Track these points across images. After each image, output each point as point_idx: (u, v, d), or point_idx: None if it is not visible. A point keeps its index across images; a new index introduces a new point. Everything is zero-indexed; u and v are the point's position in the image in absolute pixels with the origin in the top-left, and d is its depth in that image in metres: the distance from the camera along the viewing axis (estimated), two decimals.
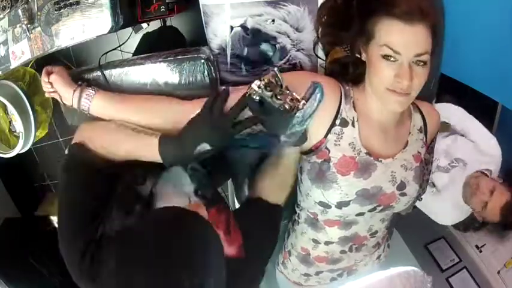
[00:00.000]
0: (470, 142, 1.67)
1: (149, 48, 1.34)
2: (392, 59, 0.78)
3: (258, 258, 0.90)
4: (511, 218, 1.47)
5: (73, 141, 0.83)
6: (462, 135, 1.72)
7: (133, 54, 1.38)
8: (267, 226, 0.96)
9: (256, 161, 1.00)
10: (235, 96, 0.81)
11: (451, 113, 1.71)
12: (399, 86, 0.79)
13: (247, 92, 0.77)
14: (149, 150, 0.80)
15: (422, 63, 0.77)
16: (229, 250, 0.77)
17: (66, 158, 0.82)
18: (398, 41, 0.76)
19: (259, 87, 0.75)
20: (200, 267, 0.61)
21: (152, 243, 0.61)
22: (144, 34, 1.57)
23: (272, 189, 0.99)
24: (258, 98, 0.76)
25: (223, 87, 0.97)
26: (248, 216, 0.91)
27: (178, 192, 0.82)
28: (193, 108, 0.86)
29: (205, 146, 0.78)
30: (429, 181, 1.60)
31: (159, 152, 0.79)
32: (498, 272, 1.97)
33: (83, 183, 0.79)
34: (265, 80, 0.75)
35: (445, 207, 1.60)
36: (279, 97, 0.76)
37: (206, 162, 0.87)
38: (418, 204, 1.57)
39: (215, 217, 0.79)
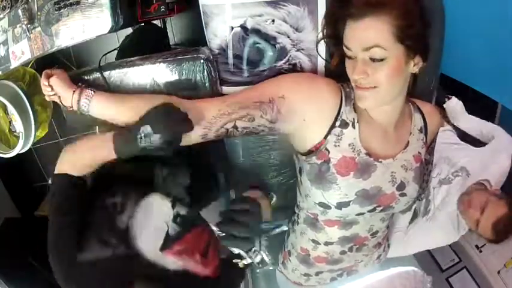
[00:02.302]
0: (482, 150, 1.62)
1: (131, 49, 1.35)
2: (351, 57, 0.81)
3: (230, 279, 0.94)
4: (502, 236, 1.41)
5: (56, 171, 0.88)
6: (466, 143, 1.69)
7: (117, 56, 1.38)
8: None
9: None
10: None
11: (478, 123, 1.70)
12: (357, 81, 0.81)
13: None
14: (109, 148, 0.83)
15: (377, 60, 0.77)
16: (204, 271, 0.81)
17: (52, 188, 0.87)
18: (348, 37, 0.79)
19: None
20: None
21: None
22: (126, 36, 1.56)
23: None
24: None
25: (223, 87, 0.98)
26: None
27: (158, 223, 0.84)
28: (193, 108, 0.86)
29: (146, 129, 0.78)
30: (427, 208, 1.58)
31: (113, 140, 0.82)
32: (498, 272, 1.97)
33: (66, 211, 0.84)
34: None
35: (445, 226, 1.56)
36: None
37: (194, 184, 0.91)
38: (415, 245, 1.55)
39: (195, 239, 0.83)
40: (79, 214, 0.84)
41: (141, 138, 0.79)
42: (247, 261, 0.84)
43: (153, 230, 0.83)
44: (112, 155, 0.83)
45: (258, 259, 0.84)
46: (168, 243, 0.82)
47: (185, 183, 0.93)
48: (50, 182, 0.89)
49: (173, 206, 0.87)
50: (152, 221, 0.85)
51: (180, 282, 0.80)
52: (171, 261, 0.81)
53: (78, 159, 0.88)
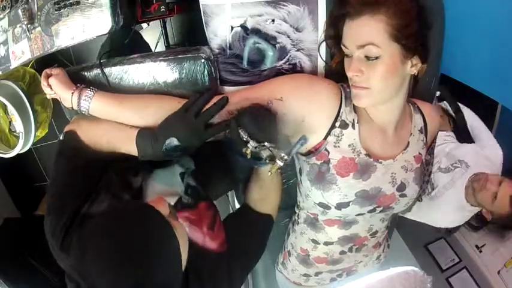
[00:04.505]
0: (476, 148, 1.66)
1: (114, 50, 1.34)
2: (348, 56, 0.82)
3: (239, 261, 0.90)
4: None
5: (66, 129, 0.88)
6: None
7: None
8: (252, 235, 0.97)
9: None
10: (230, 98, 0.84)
11: (466, 116, 1.72)
12: (351, 79, 0.83)
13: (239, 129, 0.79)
14: (128, 142, 0.83)
15: (372, 58, 0.78)
16: (211, 244, 0.81)
17: (60, 143, 0.87)
18: (345, 35, 0.81)
19: (255, 147, 0.79)
20: (147, 263, 0.61)
21: (109, 234, 0.63)
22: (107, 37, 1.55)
23: (258, 199, 1.01)
24: (247, 146, 0.79)
25: (223, 86, 0.98)
26: (235, 223, 0.94)
27: (167, 191, 0.84)
28: None
29: (173, 141, 0.80)
30: (430, 188, 1.61)
31: (136, 142, 0.82)
32: (498, 272, 1.98)
33: (74, 167, 0.83)
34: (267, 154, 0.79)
35: (445, 208, 1.59)
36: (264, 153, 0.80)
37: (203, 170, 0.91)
38: (414, 215, 1.57)
39: (203, 212, 0.83)
40: (85, 177, 0.82)
41: (165, 148, 0.81)
42: (252, 145, 0.80)
43: (165, 194, 0.83)
44: (134, 153, 0.84)
45: (265, 153, 0.80)
46: (178, 206, 0.82)
47: (191, 168, 0.93)
48: (60, 137, 0.88)
49: (182, 178, 0.88)
50: (164, 186, 0.86)
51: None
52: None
53: (95, 135, 0.86)
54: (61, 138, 0.87)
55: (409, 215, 1.58)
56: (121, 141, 0.85)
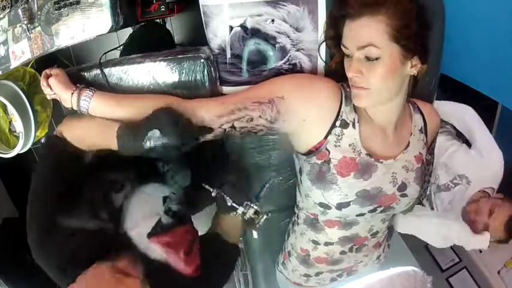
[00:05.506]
0: (473, 153, 1.60)
1: (137, 47, 1.36)
2: (349, 56, 0.82)
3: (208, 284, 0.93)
4: None
5: (54, 132, 0.89)
6: (463, 143, 1.67)
7: (121, 54, 1.38)
8: (222, 263, 0.98)
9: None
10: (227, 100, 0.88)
11: (464, 114, 1.61)
12: (351, 79, 0.83)
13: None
14: (109, 137, 0.82)
15: (373, 59, 0.78)
16: (186, 269, 0.82)
17: (43, 144, 0.90)
18: (346, 36, 0.81)
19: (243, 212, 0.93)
20: None
21: None
22: (130, 34, 1.56)
23: (225, 231, 1.01)
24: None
25: (223, 86, 0.98)
26: (205, 252, 0.94)
27: (149, 211, 0.85)
28: (192, 107, 0.86)
29: (155, 133, 0.79)
30: (432, 206, 1.57)
31: (116, 134, 0.82)
32: (498, 272, 1.98)
33: (54, 167, 0.84)
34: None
35: (446, 233, 1.55)
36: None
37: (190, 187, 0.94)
38: (419, 234, 1.54)
39: (182, 236, 0.84)
40: (66, 180, 0.82)
41: (147, 141, 0.80)
42: (241, 210, 0.92)
43: (145, 216, 0.83)
44: (114, 147, 0.83)
45: (251, 212, 0.91)
46: (157, 231, 0.81)
47: (184, 184, 0.93)
48: (42, 141, 0.88)
49: (164, 201, 0.87)
50: (145, 208, 0.85)
51: (160, 271, 0.80)
52: (156, 251, 0.80)
53: (77, 133, 0.86)
54: (42, 141, 0.89)
55: (406, 229, 1.54)
56: (102, 136, 0.84)
